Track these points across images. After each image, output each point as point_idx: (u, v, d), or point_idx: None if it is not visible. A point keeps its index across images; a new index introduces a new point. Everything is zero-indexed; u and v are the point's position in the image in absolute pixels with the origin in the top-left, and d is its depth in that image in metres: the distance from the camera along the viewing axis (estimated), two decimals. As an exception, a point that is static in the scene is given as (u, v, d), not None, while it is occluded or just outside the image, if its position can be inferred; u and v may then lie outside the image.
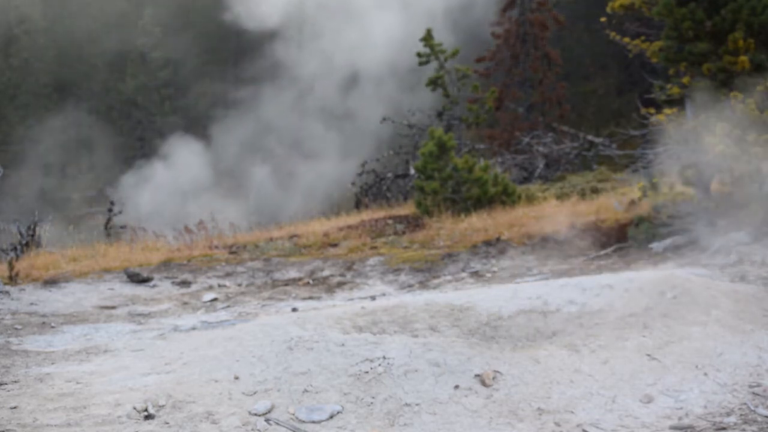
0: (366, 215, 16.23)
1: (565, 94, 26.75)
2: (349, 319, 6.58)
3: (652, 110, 10.77)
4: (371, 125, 25.68)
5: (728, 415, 4.83)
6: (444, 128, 19.57)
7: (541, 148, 21.73)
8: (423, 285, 9.87)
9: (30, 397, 5.31)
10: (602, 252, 10.51)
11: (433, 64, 21.30)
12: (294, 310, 8.18)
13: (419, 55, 21.30)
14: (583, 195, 15.85)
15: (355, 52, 28.45)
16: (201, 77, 36.98)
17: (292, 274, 10.95)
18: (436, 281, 10.03)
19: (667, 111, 10.55)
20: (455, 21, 28.52)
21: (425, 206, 14.98)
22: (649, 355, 5.47)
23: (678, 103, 10.65)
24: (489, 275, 10.06)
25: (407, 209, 16.38)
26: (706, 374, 5.26)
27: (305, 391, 5.08)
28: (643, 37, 11.18)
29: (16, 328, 7.77)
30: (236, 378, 5.32)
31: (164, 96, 36.52)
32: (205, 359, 5.74)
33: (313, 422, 4.78)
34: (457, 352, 5.40)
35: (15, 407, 5.10)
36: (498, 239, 11.76)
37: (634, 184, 12.21)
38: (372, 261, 11.25)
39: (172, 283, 10.49)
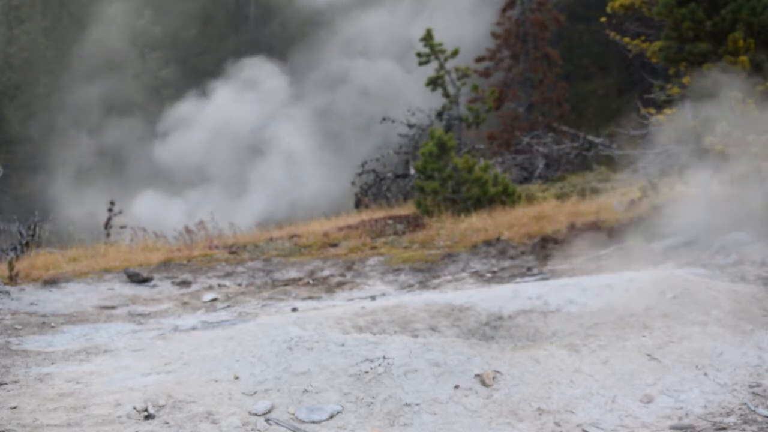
0: (366, 215, 16.23)
1: (565, 94, 26.78)
2: (349, 319, 6.58)
3: (652, 110, 10.78)
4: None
5: (728, 415, 4.83)
6: (444, 128, 19.58)
7: (541, 148, 21.73)
8: (423, 285, 9.87)
9: (30, 397, 5.31)
10: (602, 252, 10.51)
11: (433, 64, 21.30)
12: (294, 310, 8.18)
13: (419, 55, 21.29)
14: (583, 195, 15.86)
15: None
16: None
17: (292, 274, 10.95)
18: (436, 281, 10.03)
19: (667, 111, 10.56)
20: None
21: (425, 206, 14.98)
22: (649, 355, 5.47)
23: (678, 103, 10.66)
24: (489, 275, 10.06)
25: (407, 209, 16.38)
26: (706, 374, 5.26)
27: (305, 391, 5.09)
28: (643, 37, 11.18)
29: (16, 328, 7.77)
30: (236, 378, 5.33)
31: (164, 96, 36.51)
32: (205, 359, 5.74)
33: (313, 422, 4.78)
34: (457, 352, 5.40)
35: (15, 407, 5.10)
36: (498, 239, 11.76)
37: (634, 184, 12.21)
38: (372, 261, 11.25)
39: (172, 283, 10.48)
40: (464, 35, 26.96)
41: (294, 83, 31.60)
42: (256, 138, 29.49)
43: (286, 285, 10.28)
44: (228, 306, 9.04)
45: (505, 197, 15.12)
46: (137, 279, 10.36)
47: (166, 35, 36.35)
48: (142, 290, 10.02)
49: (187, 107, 31.35)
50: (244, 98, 30.67)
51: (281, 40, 35.79)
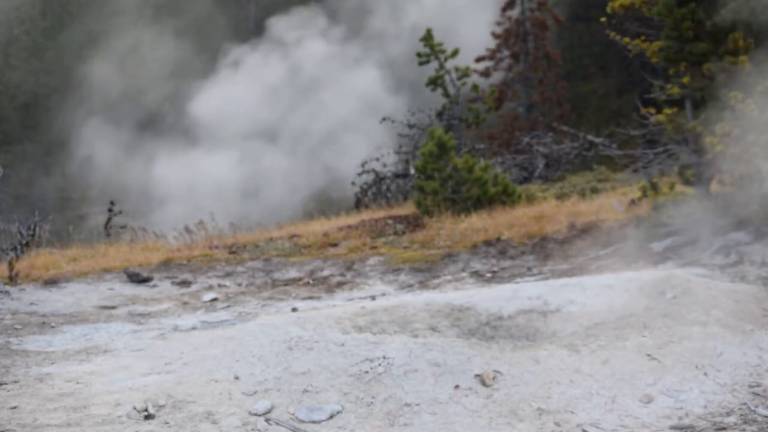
0: (366, 215, 16.22)
1: (565, 94, 26.78)
2: (349, 319, 6.59)
3: (652, 110, 10.76)
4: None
5: (728, 415, 4.83)
6: (444, 128, 19.56)
7: (541, 148, 21.74)
8: (423, 285, 9.87)
9: (30, 397, 5.31)
10: (602, 252, 10.51)
11: (433, 64, 21.29)
12: (294, 310, 8.18)
13: (419, 54, 21.28)
14: (583, 195, 15.86)
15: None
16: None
17: (292, 274, 10.95)
18: (436, 281, 10.03)
19: (667, 111, 10.54)
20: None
21: (425, 206, 14.98)
22: (649, 355, 5.47)
23: (678, 103, 10.65)
24: (489, 275, 10.06)
25: (407, 209, 16.38)
26: (706, 374, 5.26)
27: (305, 391, 5.09)
28: (643, 37, 11.16)
29: (16, 328, 7.78)
30: (236, 378, 5.33)
31: (165, 96, 36.48)
32: (205, 359, 5.75)
33: (313, 422, 4.78)
34: (457, 352, 5.40)
35: (15, 407, 5.10)
36: (498, 239, 11.76)
37: (634, 184, 12.21)
38: (372, 261, 11.25)
39: (172, 283, 10.49)
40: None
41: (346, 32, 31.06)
42: (309, 93, 28.97)
43: (286, 285, 10.28)
44: (228, 306, 9.05)
45: (505, 197, 15.11)
46: (137, 279, 10.36)
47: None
48: (142, 290, 10.02)
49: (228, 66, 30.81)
50: (288, 54, 30.13)
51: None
